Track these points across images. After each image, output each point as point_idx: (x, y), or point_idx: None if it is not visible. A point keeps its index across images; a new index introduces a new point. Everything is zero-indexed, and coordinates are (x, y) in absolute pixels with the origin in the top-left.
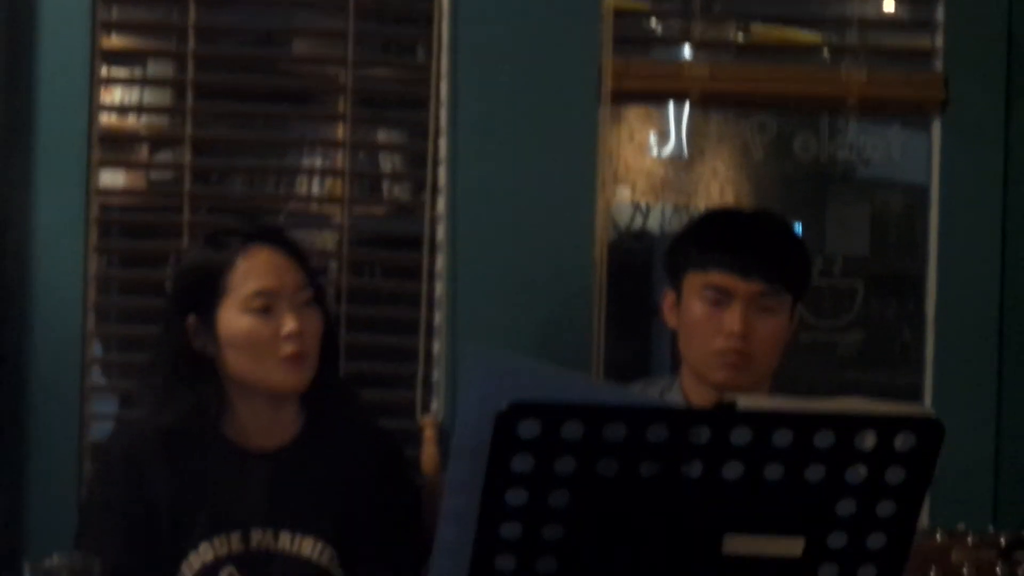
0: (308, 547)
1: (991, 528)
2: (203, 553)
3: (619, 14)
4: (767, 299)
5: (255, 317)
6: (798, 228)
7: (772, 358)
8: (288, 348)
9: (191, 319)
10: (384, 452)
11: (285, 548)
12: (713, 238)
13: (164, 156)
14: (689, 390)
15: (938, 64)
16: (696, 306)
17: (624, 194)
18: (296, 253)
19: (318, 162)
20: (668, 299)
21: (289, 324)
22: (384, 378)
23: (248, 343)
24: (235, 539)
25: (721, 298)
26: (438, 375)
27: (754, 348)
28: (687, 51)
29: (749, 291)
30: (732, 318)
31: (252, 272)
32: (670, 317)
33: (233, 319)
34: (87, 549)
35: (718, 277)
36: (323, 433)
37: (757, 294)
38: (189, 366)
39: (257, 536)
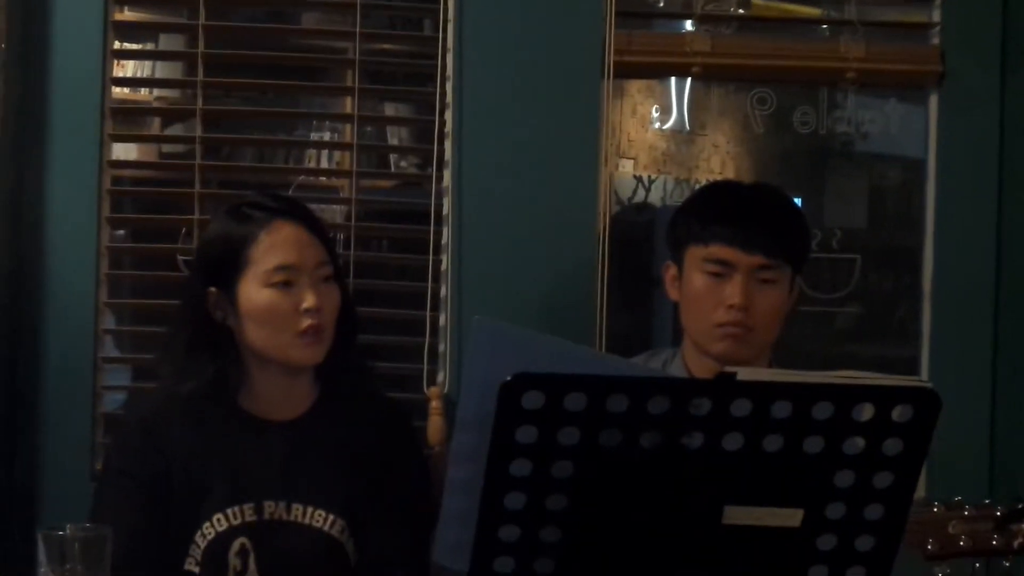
0: (320, 519)
1: (987, 500)
2: (217, 524)
3: None
4: (767, 271)
5: (276, 291)
6: (798, 201)
7: (772, 330)
8: (306, 322)
9: (212, 290)
10: (395, 425)
11: (297, 519)
12: (714, 212)
13: (175, 129)
14: (691, 362)
15: (935, 38)
16: (697, 279)
17: (626, 167)
18: (318, 229)
19: (326, 135)
20: (670, 272)
21: (309, 299)
22: (391, 350)
23: (268, 316)
24: (248, 510)
25: (722, 270)
26: (444, 347)
27: (754, 320)
28: (689, 25)
29: (750, 263)
30: (733, 290)
31: (275, 247)
32: (672, 290)
33: (254, 292)
34: (104, 517)
35: (719, 250)
36: (336, 406)
37: (757, 267)
38: (209, 336)
39: (270, 507)
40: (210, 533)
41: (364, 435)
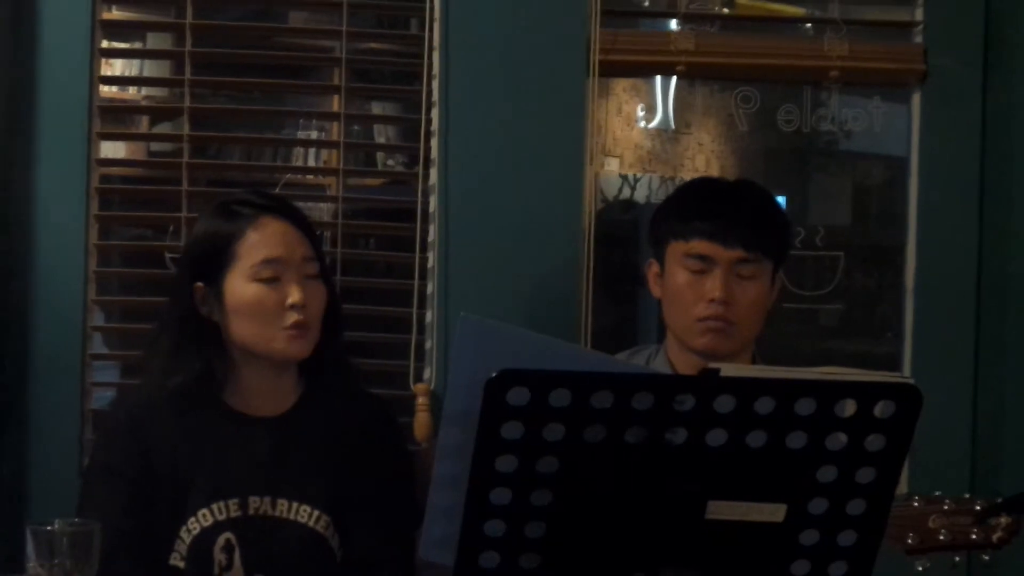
0: (305, 514)
1: (967, 494)
2: (202, 519)
3: None
4: (747, 266)
5: (262, 286)
6: (781, 200)
7: (754, 324)
8: (292, 317)
9: (199, 286)
10: (379, 422)
11: (282, 514)
12: (693, 207)
13: (163, 127)
14: (674, 358)
15: (918, 36)
16: (678, 274)
17: (612, 165)
18: (305, 226)
19: (313, 134)
20: (653, 269)
21: (295, 295)
22: (378, 347)
23: (254, 311)
24: (233, 505)
25: (702, 266)
26: (431, 344)
27: (735, 314)
28: (673, 24)
29: (729, 258)
30: (713, 284)
31: (261, 242)
32: (655, 287)
33: (240, 287)
34: (89, 512)
35: (699, 245)
36: (321, 402)
37: (737, 260)
38: (196, 331)
39: (255, 503)
40: (195, 528)
41: (348, 431)
